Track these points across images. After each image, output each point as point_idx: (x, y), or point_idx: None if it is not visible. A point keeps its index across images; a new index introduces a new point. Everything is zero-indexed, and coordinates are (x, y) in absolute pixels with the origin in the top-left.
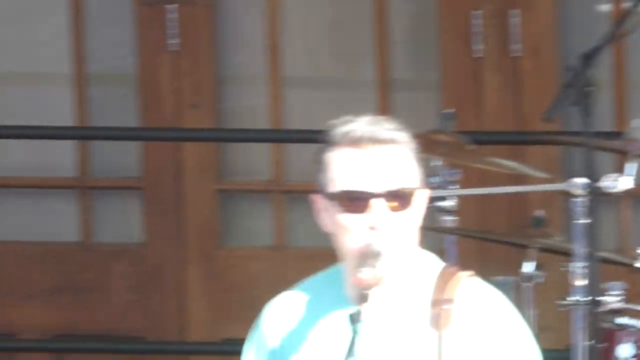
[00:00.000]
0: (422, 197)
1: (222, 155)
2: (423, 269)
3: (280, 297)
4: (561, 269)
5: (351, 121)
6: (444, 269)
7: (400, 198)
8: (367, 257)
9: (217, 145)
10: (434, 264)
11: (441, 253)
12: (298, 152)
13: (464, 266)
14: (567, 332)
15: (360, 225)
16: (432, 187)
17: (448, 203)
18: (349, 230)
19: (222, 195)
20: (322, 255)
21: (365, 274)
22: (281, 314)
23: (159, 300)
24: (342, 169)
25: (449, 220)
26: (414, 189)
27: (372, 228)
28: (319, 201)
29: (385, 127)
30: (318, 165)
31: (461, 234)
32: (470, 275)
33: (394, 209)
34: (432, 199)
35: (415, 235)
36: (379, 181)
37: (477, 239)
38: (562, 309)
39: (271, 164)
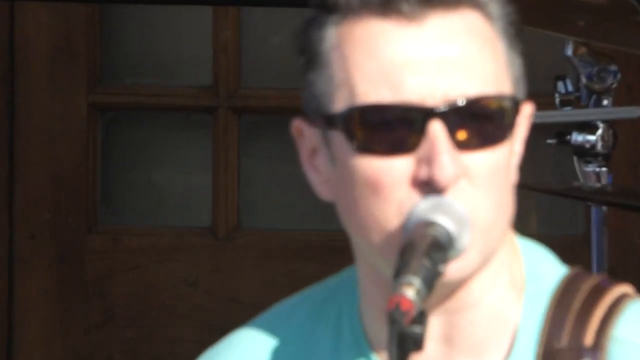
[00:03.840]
0: (527, 119)
1: None
2: (526, 279)
3: (235, 338)
4: None
5: None
6: (569, 279)
7: (484, 120)
8: (418, 252)
9: None
10: (548, 267)
11: (571, 245)
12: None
13: (617, 275)
14: None
15: (403, 181)
16: (561, 100)
17: (592, 136)
18: (378, 192)
19: None
20: (290, 244)
21: (413, 290)
22: None
23: None
24: (362, 63)
25: (592, 172)
26: (514, 101)
27: (428, 184)
28: (309, 132)
29: None
30: (304, 57)
31: (615, 205)
32: (630, 296)
33: (470, 144)
34: (558, 128)
35: (511, 203)
36: (438, 86)
37: None
38: None
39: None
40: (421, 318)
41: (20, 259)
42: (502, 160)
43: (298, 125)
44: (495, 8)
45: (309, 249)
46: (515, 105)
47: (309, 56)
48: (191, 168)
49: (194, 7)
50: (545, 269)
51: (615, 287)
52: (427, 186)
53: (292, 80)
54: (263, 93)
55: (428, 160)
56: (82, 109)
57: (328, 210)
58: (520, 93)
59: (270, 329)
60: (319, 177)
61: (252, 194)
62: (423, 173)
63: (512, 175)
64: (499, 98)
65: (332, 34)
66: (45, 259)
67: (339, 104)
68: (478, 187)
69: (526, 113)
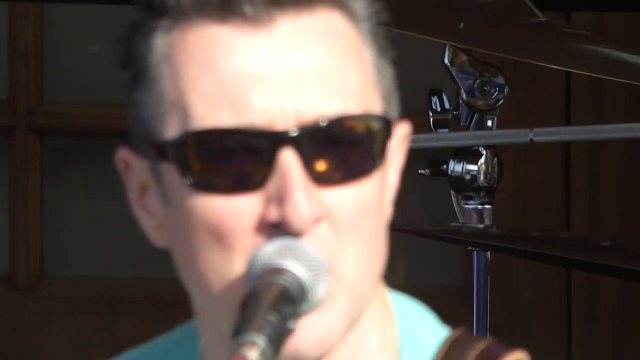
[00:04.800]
0: (404, 143)
1: None
2: (400, 345)
3: None
4: None
5: None
6: (451, 344)
7: (349, 147)
8: (263, 305)
9: None
10: (426, 330)
11: (447, 299)
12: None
13: (502, 336)
14: None
15: (249, 225)
16: (435, 120)
17: (474, 166)
18: (219, 240)
19: None
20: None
21: (256, 350)
22: None
23: None
24: (197, 78)
25: (474, 211)
26: (384, 121)
27: (280, 227)
28: (137, 165)
29: None
30: (128, 72)
31: (501, 251)
32: None
33: (331, 177)
34: (431, 155)
35: (383, 250)
36: (291, 105)
37: (543, 263)
38: None
39: None
40: None
41: None
42: (372, 197)
43: (124, 156)
44: (359, 7)
45: (128, 302)
46: (387, 126)
47: (134, 70)
48: None
49: None
50: (423, 332)
51: (507, 353)
52: (279, 230)
53: (108, 94)
54: (71, 110)
55: (279, 199)
56: None
57: (154, 255)
58: (393, 111)
59: None
60: (151, 220)
61: (59, 234)
62: (273, 214)
63: (384, 215)
64: (366, 118)
65: (161, 42)
66: None
67: (171, 130)
68: (342, 233)
69: (401, 135)
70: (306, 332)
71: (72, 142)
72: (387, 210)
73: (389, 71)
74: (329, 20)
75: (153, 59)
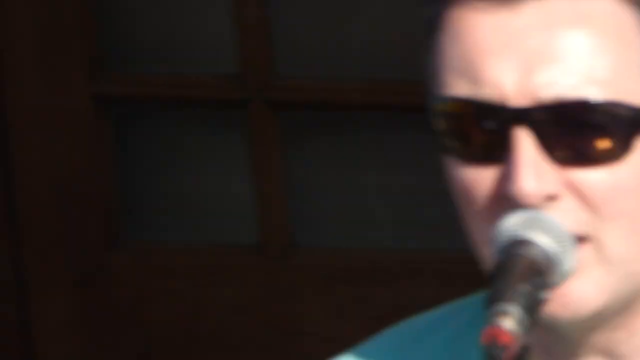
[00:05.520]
0: None
1: None
2: None
3: None
4: None
5: None
6: None
7: (582, 129)
8: (513, 276)
9: None
10: None
11: None
12: None
13: None
14: None
15: (491, 195)
16: None
17: None
18: (468, 206)
19: None
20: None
21: (511, 320)
22: None
23: None
24: (447, 48)
25: None
26: (630, 110)
27: (512, 200)
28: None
29: None
30: (425, 44)
31: None
32: None
33: (572, 158)
34: None
35: None
36: (529, 83)
37: None
38: None
39: None
40: (524, 354)
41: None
42: (628, 181)
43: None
44: None
45: (381, 272)
46: (638, 115)
47: (423, 37)
48: (225, 174)
49: None
50: None
51: None
52: (517, 204)
53: (340, 67)
54: (303, 84)
55: (507, 174)
56: (85, 103)
57: (406, 225)
58: None
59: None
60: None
61: (304, 206)
62: (503, 188)
63: None
64: (607, 105)
65: (438, 12)
66: (61, 283)
67: (434, 95)
68: (597, 209)
69: None
70: (559, 296)
71: (307, 116)
72: None
73: None
74: (590, 2)
75: (431, 28)
